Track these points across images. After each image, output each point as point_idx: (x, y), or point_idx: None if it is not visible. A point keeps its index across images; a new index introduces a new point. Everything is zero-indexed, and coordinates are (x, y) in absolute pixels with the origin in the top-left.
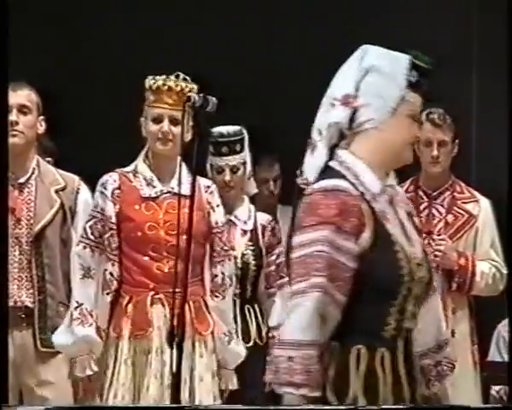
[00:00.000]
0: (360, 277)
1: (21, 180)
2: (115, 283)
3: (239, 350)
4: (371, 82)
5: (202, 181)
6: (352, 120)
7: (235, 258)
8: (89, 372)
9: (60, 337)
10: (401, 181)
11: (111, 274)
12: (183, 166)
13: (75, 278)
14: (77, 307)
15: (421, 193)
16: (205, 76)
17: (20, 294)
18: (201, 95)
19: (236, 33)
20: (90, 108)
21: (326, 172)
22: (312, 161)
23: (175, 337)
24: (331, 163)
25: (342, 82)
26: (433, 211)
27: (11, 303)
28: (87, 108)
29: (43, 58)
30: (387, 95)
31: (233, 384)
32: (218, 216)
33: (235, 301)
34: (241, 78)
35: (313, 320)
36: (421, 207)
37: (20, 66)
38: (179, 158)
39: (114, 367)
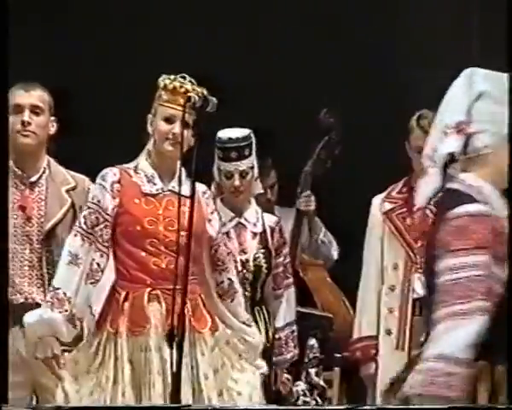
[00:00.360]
0: (503, 301)
1: (32, 179)
2: (100, 274)
3: (257, 333)
4: (483, 107)
5: (199, 186)
6: (465, 145)
7: (247, 261)
8: (49, 355)
9: (28, 317)
10: (394, 181)
11: (98, 265)
12: (185, 166)
13: (62, 264)
14: (52, 291)
15: (414, 194)
16: (207, 77)
17: (31, 290)
18: (201, 95)
19: (238, 34)
20: (93, 108)
21: (449, 195)
22: (425, 187)
23: (175, 337)
24: (452, 185)
25: (453, 109)
26: (427, 211)
27: (22, 299)
28: (89, 108)
29: (43, 58)
30: (500, 119)
31: (264, 369)
32: (216, 224)
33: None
34: (241, 80)
35: (474, 341)
36: (415, 208)
37: (20, 66)
38: (180, 159)
39: (116, 365)
